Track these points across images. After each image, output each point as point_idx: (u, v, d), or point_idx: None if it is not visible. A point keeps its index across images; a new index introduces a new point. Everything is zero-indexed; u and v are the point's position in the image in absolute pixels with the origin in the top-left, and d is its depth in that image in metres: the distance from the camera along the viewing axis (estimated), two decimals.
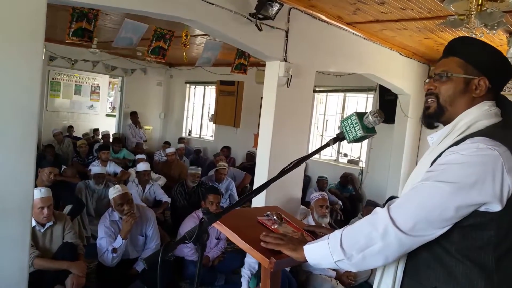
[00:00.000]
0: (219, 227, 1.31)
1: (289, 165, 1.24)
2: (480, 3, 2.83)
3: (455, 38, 1.29)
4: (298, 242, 1.24)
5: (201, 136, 9.84)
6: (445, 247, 1.08)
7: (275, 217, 1.42)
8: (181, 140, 8.77)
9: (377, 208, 1.13)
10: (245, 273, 3.44)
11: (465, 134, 1.12)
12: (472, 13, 2.84)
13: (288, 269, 3.33)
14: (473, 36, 2.77)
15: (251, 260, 3.44)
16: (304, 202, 4.73)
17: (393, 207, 1.09)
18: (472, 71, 1.20)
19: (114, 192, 3.37)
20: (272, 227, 1.38)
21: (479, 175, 1.02)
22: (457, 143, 1.11)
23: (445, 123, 1.23)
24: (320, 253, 1.15)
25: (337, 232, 1.14)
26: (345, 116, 1.28)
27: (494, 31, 2.89)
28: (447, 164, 1.07)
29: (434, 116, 1.24)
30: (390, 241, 1.05)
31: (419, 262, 1.13)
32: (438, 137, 1.22)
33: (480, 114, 1.16)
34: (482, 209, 1.04)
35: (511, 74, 1.24)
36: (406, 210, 1.07)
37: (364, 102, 6.92)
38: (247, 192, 6.21)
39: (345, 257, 1.09)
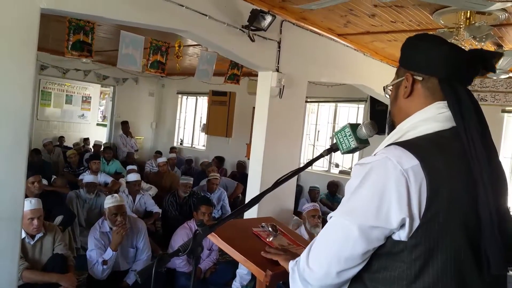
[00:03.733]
0: (213, 239, 1.30)
1: (283, 176, 1.24)
2: (468, 16, 2.91)
3: None
4: (294, 254, 1.24)
5: (193, 146, 9.80)
6: (361, 275, 0.98)
7: (270, 229, 1.41)
8: (172, 149, 8.72)
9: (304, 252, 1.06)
10: (235, 285, 3.41)
11: (393, 142, 0.98)
12: (461, 26, 2.91)
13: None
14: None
15: (243, 272, 3.41)
16: (296, 212, 4.72)
17: (311, 251, 1.02)
18: (403, 72, 1.07)
19: (111, 201, 3.32)
20: (268, 239, 1.37)
21: (378, 201, 0.90)
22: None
23: None
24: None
25: (298, 261, 1.09)
26: (338, 128, 1.28)
27: (482, 43, 2.96)
28: (349, 190, 0.98)
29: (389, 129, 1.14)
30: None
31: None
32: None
33: (424, 118, 1.00)
34: (395, 237, 0.92)
35: (463, 62, 1.01)
36: (318, 255, 1.00)
37: (355, 112, 6.99)
38: (239, 202, 6.23)
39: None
